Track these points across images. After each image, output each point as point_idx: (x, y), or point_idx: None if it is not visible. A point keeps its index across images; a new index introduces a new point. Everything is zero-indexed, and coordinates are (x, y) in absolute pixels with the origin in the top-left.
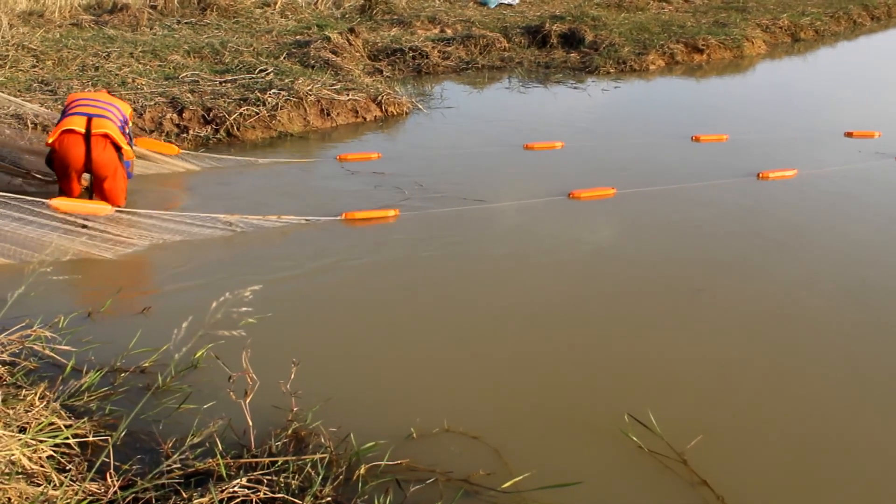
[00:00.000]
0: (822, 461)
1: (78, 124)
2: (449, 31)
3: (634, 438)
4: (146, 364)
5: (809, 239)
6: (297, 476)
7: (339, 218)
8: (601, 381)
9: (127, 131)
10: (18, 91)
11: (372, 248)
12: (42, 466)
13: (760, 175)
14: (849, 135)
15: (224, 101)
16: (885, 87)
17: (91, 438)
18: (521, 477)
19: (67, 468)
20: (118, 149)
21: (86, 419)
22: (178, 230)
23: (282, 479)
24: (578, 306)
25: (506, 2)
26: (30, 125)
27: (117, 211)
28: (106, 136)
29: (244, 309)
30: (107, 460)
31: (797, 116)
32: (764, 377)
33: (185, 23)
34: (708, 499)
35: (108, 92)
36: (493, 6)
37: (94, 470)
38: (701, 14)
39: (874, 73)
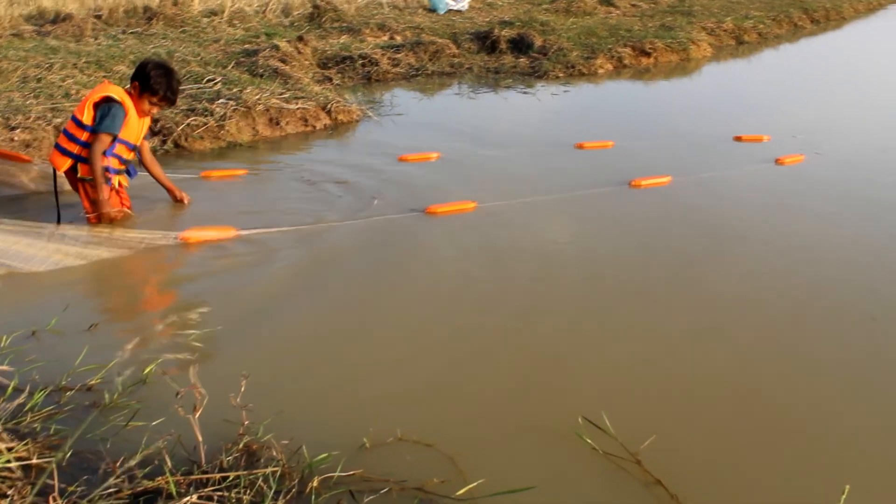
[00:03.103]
0: (775, 455)
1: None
2: (398, 38)
3: (588, 441)
4: (93, 382)
5: (689, 243)
6: (248, 491)
7: (175, 239)
8: (554, 385)
9: (87, 131)
10: None
11: (317, 258)
12: None
13: (632, 183)
14: (738, 139)
15: (171, 112)
16: (800, 90)
17: (34, 461)
18: (475, 483)
19: (8, 493)
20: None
21: (29, 441)
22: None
23: (233, 495)
24: (521, 312)
25: (455, 8)
26: None
27: None
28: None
29: (192, 322)
30: (50, 482)
31: (693, 121)
32: (714, 375)
33: (131, 32)
34: (662, 498)
35: (109, 81)
36: (442, 12)
37: (36, 493)
38: (648, 18)
39: (796, 76)
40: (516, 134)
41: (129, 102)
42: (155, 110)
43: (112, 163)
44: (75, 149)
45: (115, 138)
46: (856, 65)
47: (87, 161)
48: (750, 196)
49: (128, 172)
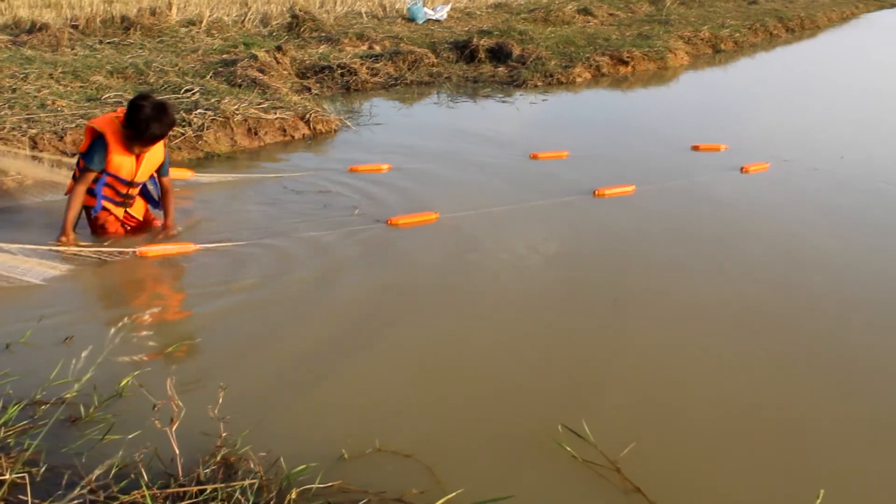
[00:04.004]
0: (753, 462)
1: None
2: (377, 48)
3: (568, 448)
4: (68, 395)
5: (660, 250)
6: (226, 503)
7: (134, 255)
8: (532, 393)
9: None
10: None
11: (285, 270)
12: None
13: (596, 192)
14: (696, 148)
15: None
16: (766, 99)
17: (8, 476)
18: (453, 493)
19: None
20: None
21: (2, 456)
22: None
23: None
24: (497, 320)
25: (434, 17)
26: None
27: None
28: None
29: (168, 334)
30: (24, 498)
31: (653, 129)
32: (693, 382)
33: (108, 42)
34: None
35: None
36: (420, 22)
37: None
38: (625, 27)
39: (766, 85)
40: (472, 144)
41: (112, 136)
42: (137, 148)
43: (107, 193)
44: (77, 172)
45: (103, 172)
46: (823, 74)
47: (76, 180)
48: (717, 203)
49: (149, 200)
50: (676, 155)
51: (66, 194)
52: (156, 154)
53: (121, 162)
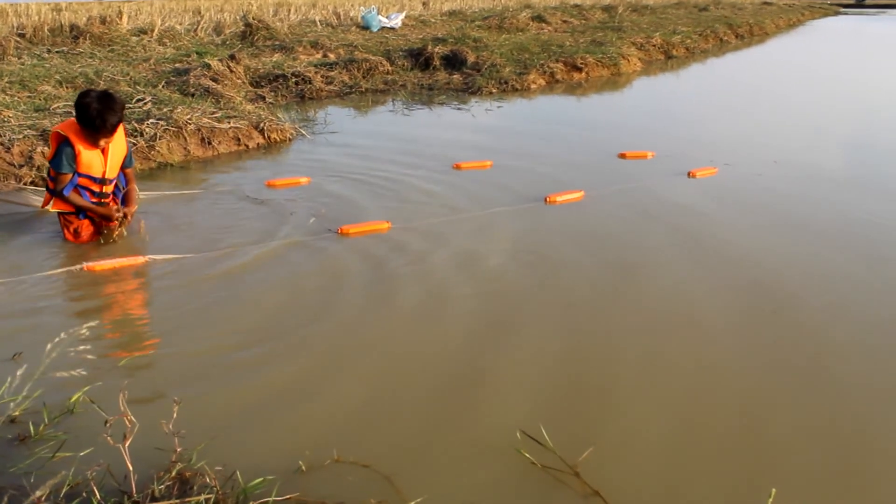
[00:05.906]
0: (708, 463)
1: None
2: (332, 56)
3: (527, 455)
4: (16, 413)
5: (627, 250)
6: None
7: (81, 270)
8: (490, 401)
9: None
10: None
11: (236, 281)
12: None
13: (548, 199)
14: (622, 156)
15: None
16: (707, 105)
17: None
18: (413, 502)
19: None
20: None
21: None
22: None
23: None
24: (453, 329)
25: (388, 25)
26: None
27: None
28: None
29: (120, 348)
30: None
31: (570, 140)
32: (649, 385)
33: (57, 52)
34: None
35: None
36: (375, 30)
37: None
38: (579, 34)
39: (708, 91)
40: (420, 153)
41: (76, 136)
42: (102, 141)
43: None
44: (50, 183)
45: (75, 174)
46: (766, 82)
47: (53, 193)
48: (668, 207)
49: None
50: (604, 163)
51: (42, 207)
52: (119, 146)
53: (90, 160)
